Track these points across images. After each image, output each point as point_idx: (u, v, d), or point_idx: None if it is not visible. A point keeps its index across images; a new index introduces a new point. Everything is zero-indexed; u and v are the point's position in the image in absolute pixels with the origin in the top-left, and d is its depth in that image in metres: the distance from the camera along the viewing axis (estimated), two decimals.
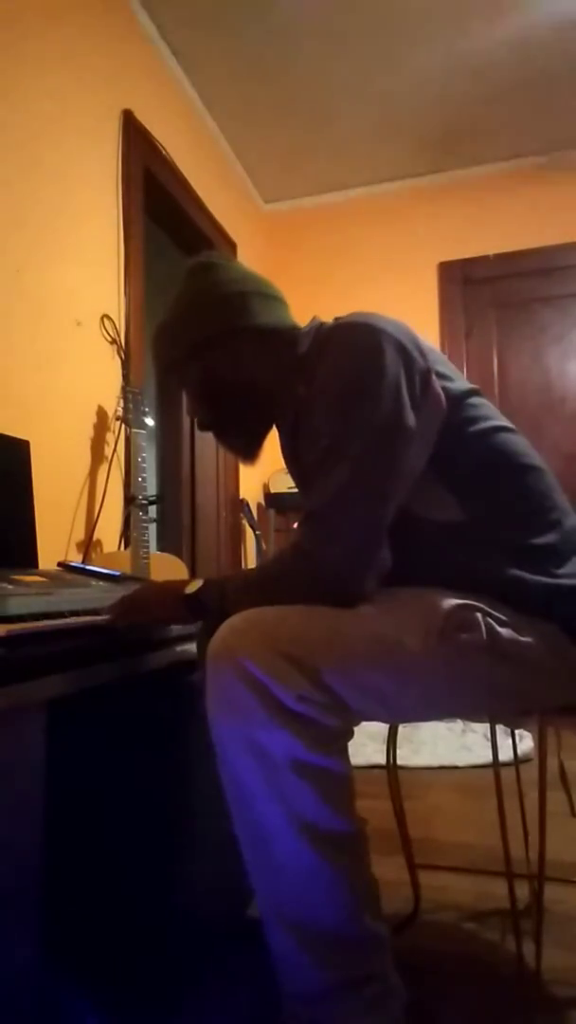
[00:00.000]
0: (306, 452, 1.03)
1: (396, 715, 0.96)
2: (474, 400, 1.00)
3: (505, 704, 0.96)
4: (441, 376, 0.96)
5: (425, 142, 3.18)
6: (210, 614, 0.92)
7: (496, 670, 0.87)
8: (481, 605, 0.88)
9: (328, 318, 1.08)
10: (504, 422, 1.02)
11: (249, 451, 1.14)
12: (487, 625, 0.86)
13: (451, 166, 3.37)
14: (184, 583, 0.98)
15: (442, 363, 1.00)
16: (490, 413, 1.01)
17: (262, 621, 0.83)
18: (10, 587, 1.02)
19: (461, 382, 1.00)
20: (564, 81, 2.77)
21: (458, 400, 0.97)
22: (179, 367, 1.08)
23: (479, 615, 0.87)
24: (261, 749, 0.79)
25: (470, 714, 1.08)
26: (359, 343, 0.92)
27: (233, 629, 0.83)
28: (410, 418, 0.89)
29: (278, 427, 1.14)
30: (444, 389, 0.95)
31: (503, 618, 0.89)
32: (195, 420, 1.14)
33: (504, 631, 0.88)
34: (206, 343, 1.04)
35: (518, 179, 3.34)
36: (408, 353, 0.92)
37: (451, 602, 0.87)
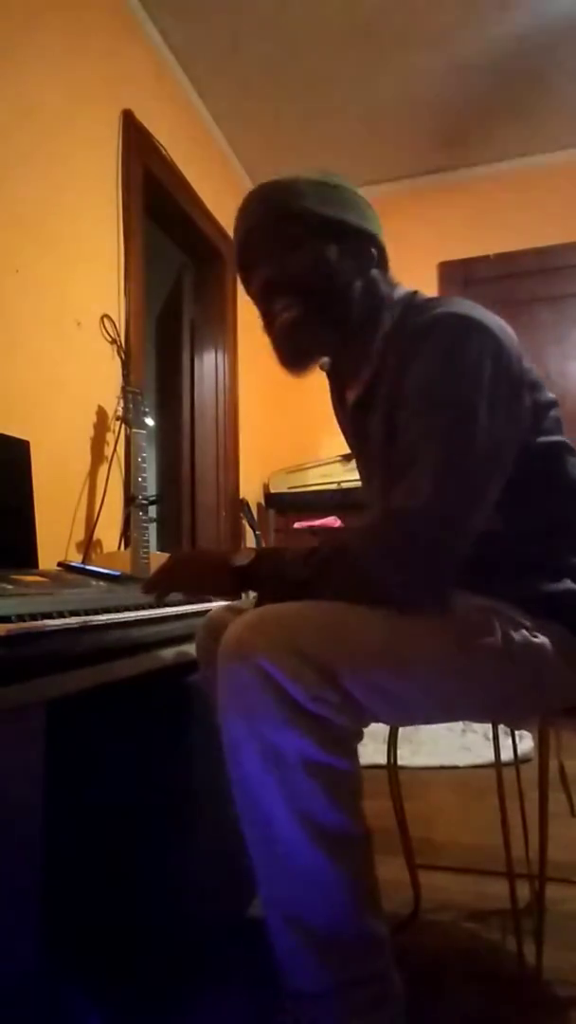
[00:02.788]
0: (382, 434, 0.97)
1: (409, 717, 0.95)
2: (552, 412, 0.97)
3: (516, 707, 0.96)
4: (533, 385, 0.94)
5: (425, 142, 3.18)
6: (261, 588, 0.90)
7: (509, 674, 0.86)
8: (498, 607, 0.88)
9: None
10: (568, 440, 0.98)
11: (303, 359, 1.03)
12: (503, 629, 0.86)
13: (451, 166, 3.37)
14: (229, 552, 0.95)
15: (533, 370, 0.96)
16: (560, 428, 0.98)
17: (279, 618, 0.82)
18: (10, 587, 1.02)
19: (546, 392, 0.97)
20: (564, 80, 2.77)
21: (541, 411, 0.95)
22: (300, 225, 0.98)
23: (495, 620, 0.86)
24: (273, 748, 0.78)
25: (481, 717, 1.07)
26: (465, 343, 0.87)
27: (248, 626, 0.81)
28: (506, 430, 0.87)
29: (337, 373, 1.09)
30: (533, 398, 0.93)
31: (520, 621, 0.88)
32: (272, 293, 1.01)
33: (518, 635, 0.87)
34: (343, 226, 0.99)
35: (518, 179, 3.34)
36: (511, 358, 0.89)
37: (469, 606, 0.86)
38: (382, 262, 1.04)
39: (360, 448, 1.10)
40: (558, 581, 0.93)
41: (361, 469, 1.16)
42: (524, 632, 0.88)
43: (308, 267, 0.98)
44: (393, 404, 0.93)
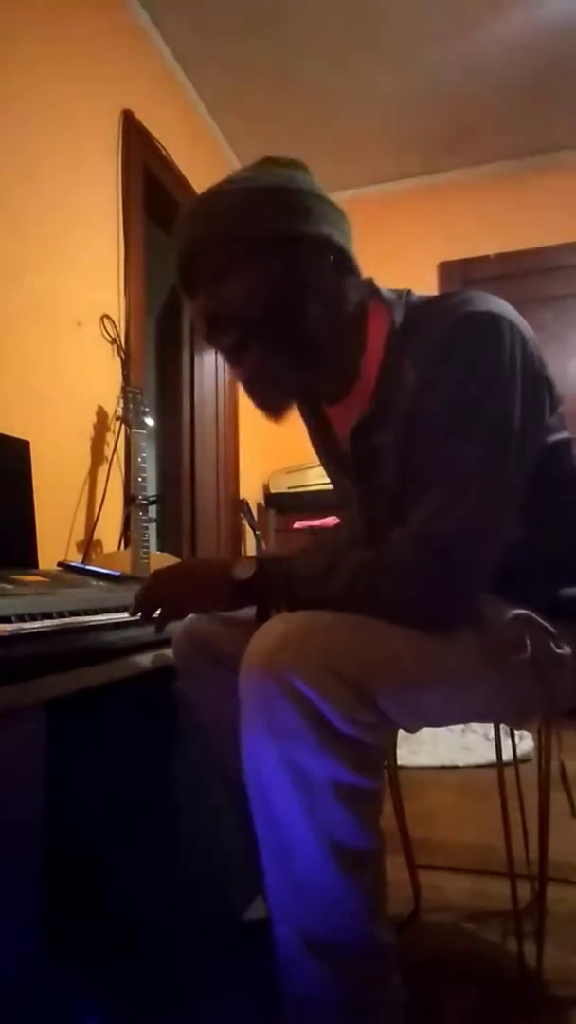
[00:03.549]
0: (397, 448, 0.88)
1: (431, 725, 0.93)
2: (560, 409, 0.92)
3: (530, 711, 0.95)
4: (550, 385, 0.89)
5: (425, 142, 3.18)
6: (269, 602, 0.85)
7: (533, 684, 0.86)
8: (529, 616, 0.87)
9: None
10: (570, 434, 0.94)
11: (279, 401, 0.94)
12: (533, 643, 0.85)
13: (451, 166, 3.37)
14: (226, 563, 0.89)
15: (546, 364, 0.90)
16: (563, 425, 0.93)
17: (310, 633, 0.76)
18: (10, 587, 1.02)
19: (556, 389, 0.92)
20: (564, 81, 2.77)
21: (552, 409, 0.91)
22: (240, 248, 0.86)
23: (527, 634, 0.85)
24: (301, 770, 0.74)
25: (494, 719, 1.07)
26: (499, 347, 0.81)
27: (278, 638, 0.75)
28: (532, 438, 0.85)
29: (317, 389, 1.00)
30: (551, 400, 0.90)
31: (548, 628, 0.88)
32: (217, 328, 0.90)
33: (545, 646, 0.86)
34: (288, 238, 0.86)
35: (518, 179, 3.34)
36: (535, 359, 0.86)
37: (502, 620, 0.85)
38: (344, 265, 0.91)
39: (362, 467, 0.96)
40: None
41: (353, 486, 1.02)
42: (551, 644, 0.87)
43: (245, 295, 0.86)
44: (414, 414, 0.85)
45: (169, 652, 1.10)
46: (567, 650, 0.88)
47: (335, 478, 1.13)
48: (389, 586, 0.81)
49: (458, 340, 0.82)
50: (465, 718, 0.92)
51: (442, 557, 0.78)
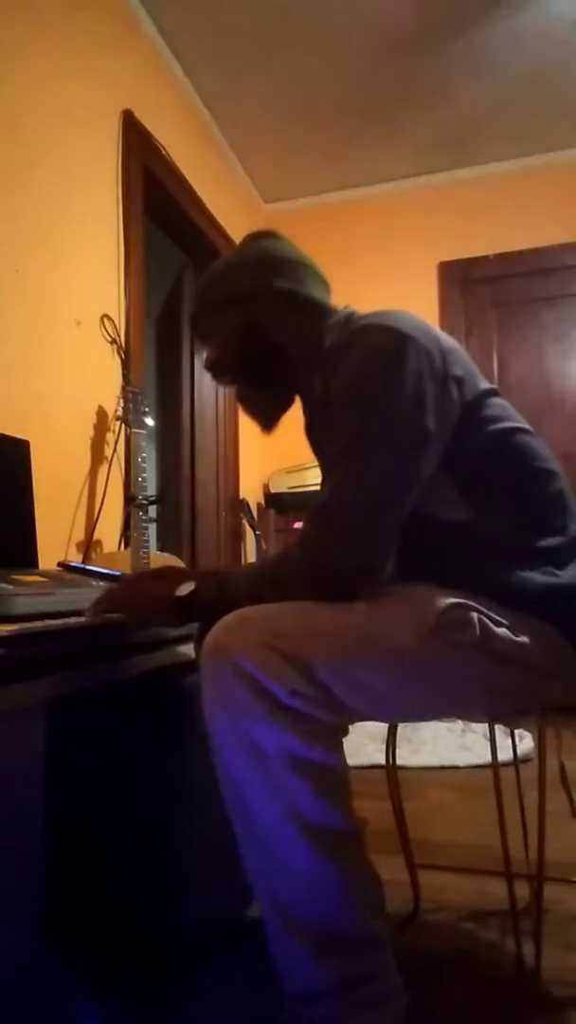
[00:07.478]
0: (325, 447, 1.06)
1: (389, 713, 0.96)
2: (492, 400, 1.01)
3: (498, 703, 0.96)
4: (459, 380, 0.97)
5: (425, 142, 3.18)
6: (207, 615, 0.92)
7: (489, 669, 0.87)
8: (476, 604, 0.88)
9: None
10: (521, 424, 1.02)
11: (268, 417, 1.16)
12: (481, 623, 0.86)
13: (451, 166, 3.37)
14: (172, 580, 0.97)
15: (462, 364, 1.00)
16: (507, 414, 1.02)
17: (255, 618, 0.84)
18: (10, 587, 1.02)
19: (481, 382, 1.02)
20: (564, 81, 2.77)
21: (476, 401, 0.98)
22: (218, 311, 1.11)
23: (473, 614, 0.87)
24: (256, 745, 0.79)
25: (463, 712, 1.07)
26: (383, 347, 0.93)
27: (226, 626, 0.83)
28: (431, 422, 0.91)
29: (303, 403, 1.17)
30: (461, 392, 0.97)
31: (499, 618, 0.89)
32: (214, 373, 1.16)
33: (499, 630, 0.88)
34: (249, 295, 1.08)
35: (518, 179, 3.34)
36: (431, 357, 0.94)
37: (445, 600, 0.87)
38: (306, 308, 1.09)
39: (320, 457, 1.15)
40: (532, 569, 0.93)
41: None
42: (505, 630, 0.88)
43: (223, 348, 1.12)
44: (329, 409, 1.00)
45: (168, 652, 1.10)
46: (525, 639, 0.89)
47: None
48: (293, 566, 0.91)
49: (351, 347, 0.97)
50: (423, 705, 0.93)
51: (327, 529, 0.89)
